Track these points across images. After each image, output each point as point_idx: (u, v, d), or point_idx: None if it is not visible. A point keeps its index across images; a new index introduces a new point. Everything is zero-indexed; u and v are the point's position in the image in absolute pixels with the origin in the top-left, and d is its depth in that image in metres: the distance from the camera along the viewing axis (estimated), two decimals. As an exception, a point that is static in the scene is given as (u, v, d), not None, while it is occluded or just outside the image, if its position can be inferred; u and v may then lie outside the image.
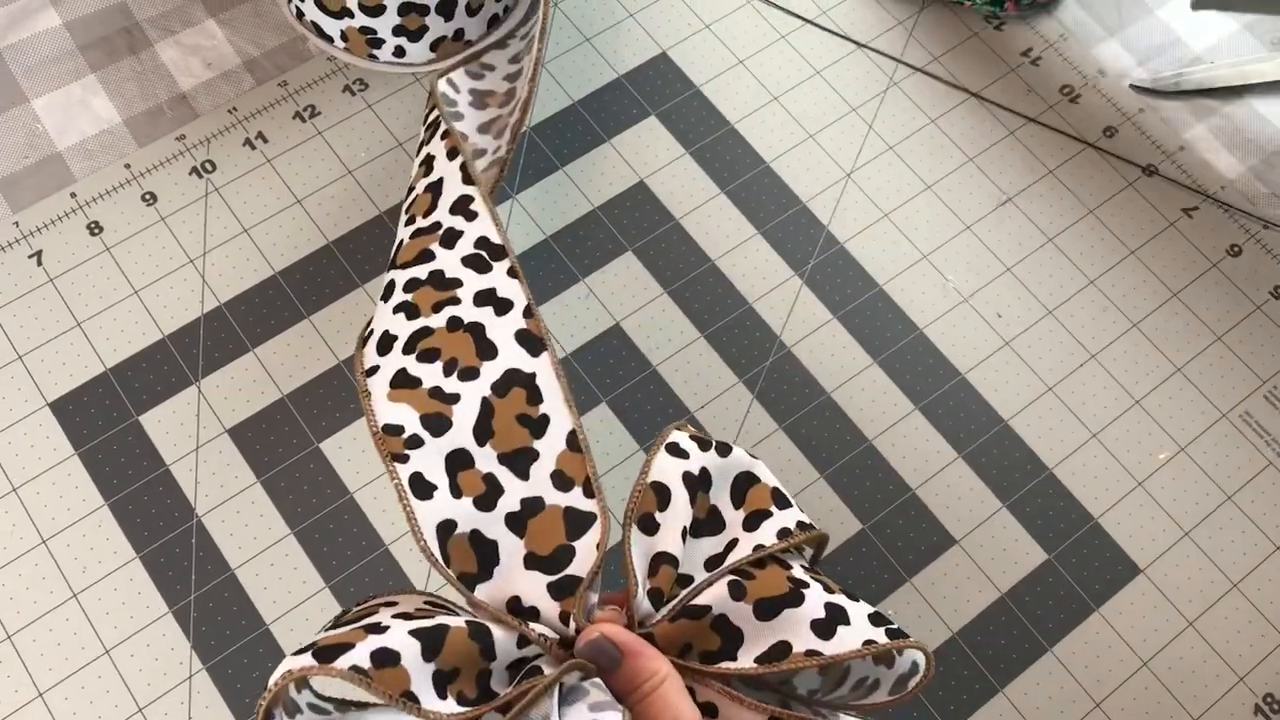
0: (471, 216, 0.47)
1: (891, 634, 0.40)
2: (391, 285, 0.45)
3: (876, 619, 0.41)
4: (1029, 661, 0.53)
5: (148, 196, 0.60)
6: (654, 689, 0.37)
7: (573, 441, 0.41)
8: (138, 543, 0.53)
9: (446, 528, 0.39)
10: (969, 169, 0.63)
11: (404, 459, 0.39)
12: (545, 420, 0.41)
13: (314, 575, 0.53)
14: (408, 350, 0.42)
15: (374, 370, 0.42)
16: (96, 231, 0.59)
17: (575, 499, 0.40)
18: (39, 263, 0.59)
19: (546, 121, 0.63)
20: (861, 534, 0.55)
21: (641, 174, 0.62)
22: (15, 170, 0.60)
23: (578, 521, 0.40)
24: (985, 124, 0.65)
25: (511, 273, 0.45)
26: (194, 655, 0.51)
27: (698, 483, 0.42)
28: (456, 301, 0.43)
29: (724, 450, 0.44)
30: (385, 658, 0.34)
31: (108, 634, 0.51)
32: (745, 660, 0.39)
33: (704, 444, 0.43)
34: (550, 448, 0.40)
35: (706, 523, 0.43)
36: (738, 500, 0.43)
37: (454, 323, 0.42)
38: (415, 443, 0.40)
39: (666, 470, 0.42)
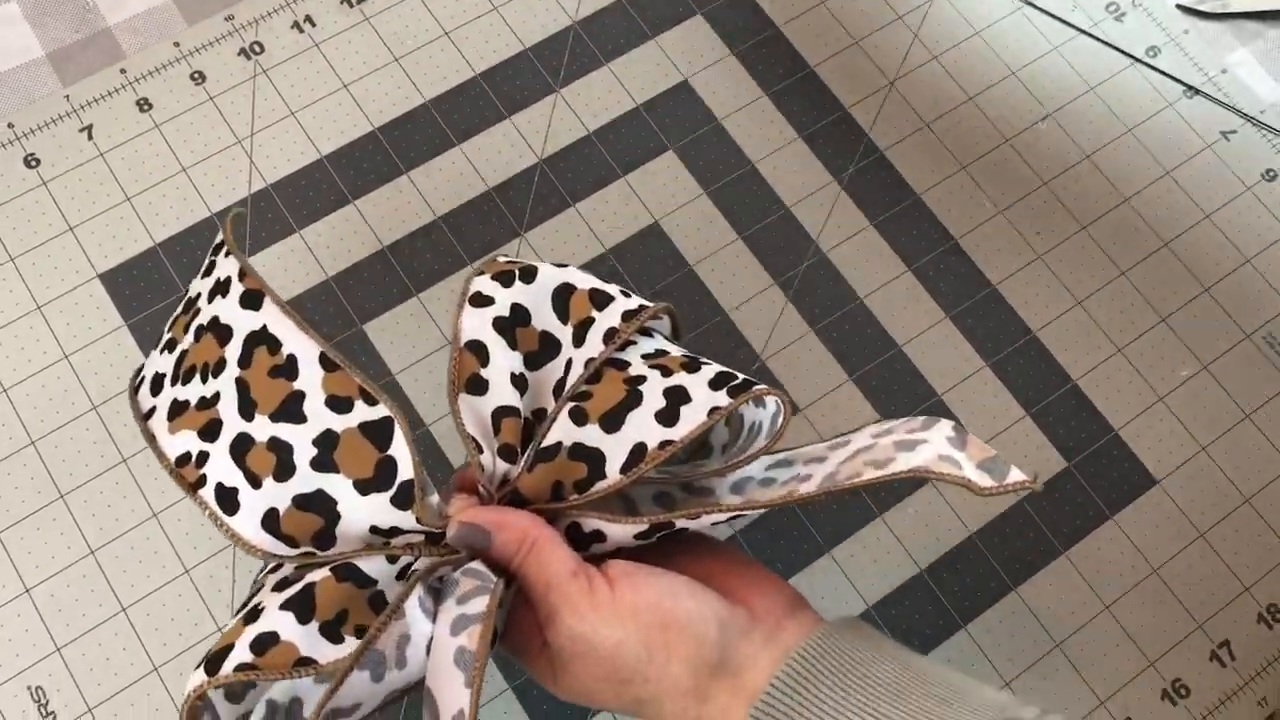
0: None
1: (734, 390, 0.41)
2: (158, 338, 0.44)
3: (720, 380, 0.41)
4: (1043, 564, 0.54)
5: (196, 75, 0.61)
6: (525, 554, 0.39)
7: (326, 362, 0.39)
8: (185, 413, 0.55)
9: (271, 517, 0.39)
10: (1011, 82, 0.64)
11: (201, 482, 0.39)
12: (293, 360, 0.39)
13: (356, 451, 0.54)
14: (174, 380, 0.41)
15: (151, 412, 0.42)
16: (146, 108, 0.60)
17: (361, 413, 0.39)
18: (89, 136, 0.59)
19: (593, 18, 0.63)
20: (887, 435, 0.56)
21: (686, 73, 0.63)
22: (66, 44, 0.61)
23: (378, 432, 0.39)
24: (1028, 38, 0.65)
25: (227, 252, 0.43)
26: (239, 522, 0.53)
27: (512, 322, 0.43)
28: (198, 312, 0.42)
29: (529, 275, 0.44)
30: (264, 642, 0.36)
31: (155, 498, 0.53)
32: (612, 474, 0.40)
33: (507, 278, 0.43)
34: (310, 380, 0.39)
35: (542, 351, 0.43)
36: (562, 314, 0.44)
37: (198, 332, 0.41)
38: (202, 460, 0.40)
39: (475, 325, 0.42)
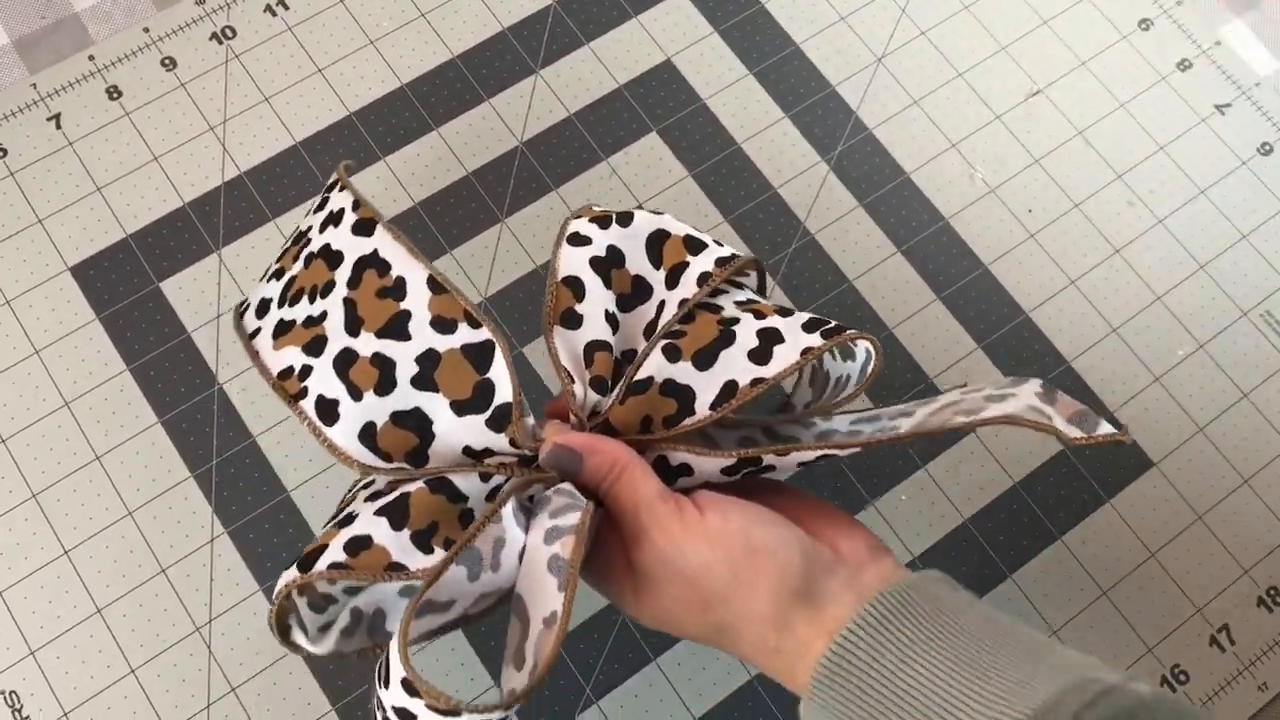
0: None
1: (828, 333, 0.41)
2: (266, 271, 0.45)
3: (812, 324, 0.42)
4: (1039, 549, 0.53)
5: (167, 61, 0.59)
6: (617, 478, 0.40)
7: (434, 285, 0.41)
8: (159, 408, 0.53)
9: (369, 430, 0.40)
10: (1001, 57, 0.62)
11: (302, 394, 0.40)
12: (401, 281, 0.41)
13: (335, 444, 0.53)
14: (281, 303, 0.43)
15: (256, 333, 0.43)
16: (115, 96, 0.59)
17: (464, 335, 0.40)
18: (58, 125, 0.58)
19: (573, -4, 0.62)
20: (878, 420, 0.55)
21: (669, 52, 0.61)
22: (32, 30, 0.59)
23: (479, 354, 0.40)
24: (1019, 10, 0.63)
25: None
26: (215, 519, 0.52)
27: (608, 262, 0.44)
28: (308, 243, 0.43)
29: (625, 219, 0.45)
30: (358, 544, 0.37)
31: (130, 496, 0.52)
32: (701, 410, 0.41)
33: (604, 221, 0.45)
34: (417, 301, 0.41)
35: (634, 294, 0.44)
36: (655, 260, 0.45)
37: (309, 259, 0.43)
38: (305, 373, 0.40)
39: (573, 262, 0.43)
